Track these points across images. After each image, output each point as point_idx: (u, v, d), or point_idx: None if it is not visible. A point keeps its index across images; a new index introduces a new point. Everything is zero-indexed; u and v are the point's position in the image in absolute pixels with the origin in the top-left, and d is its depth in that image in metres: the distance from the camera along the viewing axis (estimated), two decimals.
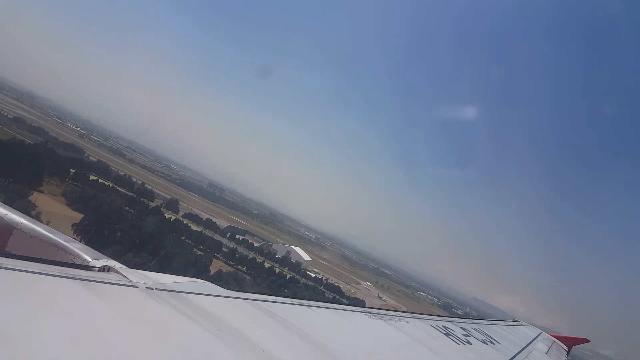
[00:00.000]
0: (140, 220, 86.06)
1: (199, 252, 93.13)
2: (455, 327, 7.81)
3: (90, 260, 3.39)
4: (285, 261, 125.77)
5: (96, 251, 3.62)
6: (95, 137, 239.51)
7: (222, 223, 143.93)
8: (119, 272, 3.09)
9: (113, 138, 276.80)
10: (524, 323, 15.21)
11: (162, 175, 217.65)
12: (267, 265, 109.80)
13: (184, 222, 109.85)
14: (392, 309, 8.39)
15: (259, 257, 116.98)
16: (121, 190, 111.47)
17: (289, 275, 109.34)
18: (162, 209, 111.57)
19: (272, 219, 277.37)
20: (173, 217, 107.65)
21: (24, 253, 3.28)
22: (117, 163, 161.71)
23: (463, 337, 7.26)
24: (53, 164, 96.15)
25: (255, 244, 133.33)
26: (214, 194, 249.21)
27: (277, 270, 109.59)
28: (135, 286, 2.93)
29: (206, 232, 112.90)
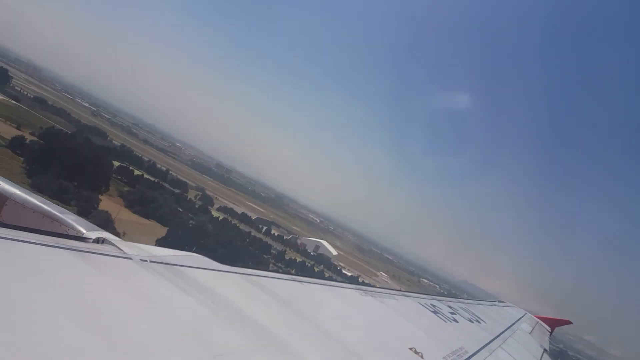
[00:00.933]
0: (202, 224, 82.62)
1: (259, 256, 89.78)
2: (443, 305, 7.87)
3: (84, 231, 3.30)
4: (319, 257, 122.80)
5: (90, 223, 3.52)
6: (105, 113, 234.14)
7: (244, 211, 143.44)
8: (113, 244, 3.01)
9: (109, 109, 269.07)
10: (509, 304, 15.27)
11: (175, 157, 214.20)
12: (307, 264, 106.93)
13: (232, 221, 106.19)
14: (382, 287, 8.51)
15: (294, 253, 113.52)
16: (165, 185, 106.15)
17: (327, 274, 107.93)
18: (208, 207, 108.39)
19: (278, 203, 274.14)
20: (221, 217, 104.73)
21: (17, 224, 3.10)
22: (136, 146, 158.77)
23: (450, 315, 7.32)
24: (98, 159, 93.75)
25: (283, 236, 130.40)
26: (224, 176, 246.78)
27: (317, 269, 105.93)
28: (130, 258, 2.87)
29: (252, 232, 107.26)
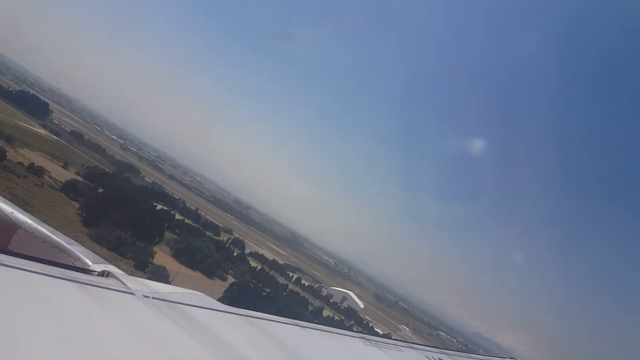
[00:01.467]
0: (243, 275, 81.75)
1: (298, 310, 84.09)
2: None
3: (90, 264, 3.35)
4: (347, 309, 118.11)
5: (97, 255, 3.56)
6: (131, 147, 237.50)
7: (272, 256, 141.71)
8: (117, 278, 3.03)
9: (134, 141, 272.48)
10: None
11: (200, 193, 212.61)
12: (336, 317, 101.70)
13: (269, 272, 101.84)
14: (387, 337, 8.09)
15: (317, 302, 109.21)
16: (205, 231, 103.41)
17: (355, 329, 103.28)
18: (244, 254, 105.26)
19: (295, 243, 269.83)
20: (259, 267, 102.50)
21: (26, 252, 3.18)
22: (166, 184, 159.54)
23: None
24: (152, 207, 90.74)
25: (311, 285, 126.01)
26: (243, 213, 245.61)
27: (347, 324, 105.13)
28: (133, 293, 2.87)
29: (285, 282, 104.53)
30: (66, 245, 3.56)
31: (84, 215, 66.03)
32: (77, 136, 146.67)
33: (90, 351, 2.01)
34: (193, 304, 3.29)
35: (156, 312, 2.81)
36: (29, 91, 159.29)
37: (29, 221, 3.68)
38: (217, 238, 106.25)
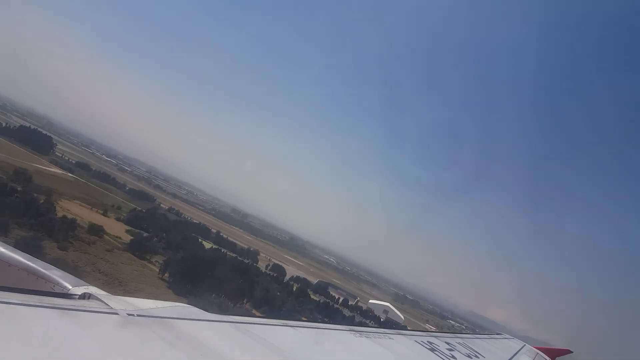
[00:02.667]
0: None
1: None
2: (440, 342, 7.52)
3: (70, 287, 3.24)
4: (389, 322, 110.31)
5: (76, 278, 3.41)
6: (125, 166, 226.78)
7: (294, 270, 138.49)
8: (99, 299, 2.90)
9: (119, 157, 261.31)
10: (507, 336, 14.89)
11: (203, 208, 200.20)
12: None
13: (315, 298, 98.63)
14: (377, 327, 8.02)
15: (371, 322, 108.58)
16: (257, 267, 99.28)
17: None
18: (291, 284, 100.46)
19: (301, 248, 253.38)
20: (320, 300, 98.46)
21: (2, 282, 3.08)
22: (183, 208, 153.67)
23: (448, 352, 6.99)
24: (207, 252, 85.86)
25: (340, 298, 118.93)
26: (244, 222, 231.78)
27: None
28: (117, 313, 2.77)
29: (338, 307, 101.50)
30: (43, 270, 3.41)
31: (171, 281, 62.35)
32: (83, 167, 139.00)
33: None
34: (179, 317, 3.17)
35: (143, 329, 2.70)
36: (29, 126, 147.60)
37: (2, 249, 3.51)
38: (258, 266, 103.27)
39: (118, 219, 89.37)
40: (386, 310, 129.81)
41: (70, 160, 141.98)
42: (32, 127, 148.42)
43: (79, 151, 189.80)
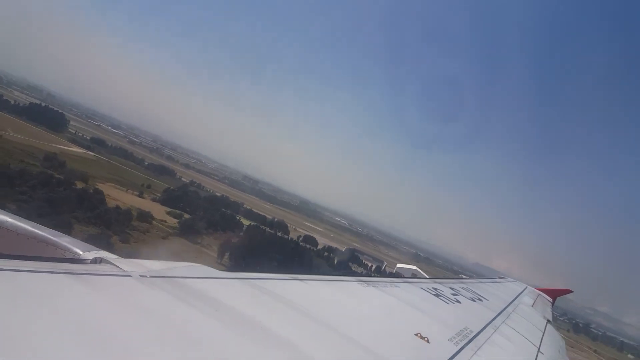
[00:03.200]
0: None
1: None
2: (445, 287, 7.65)
3: (81, 253, 3.21)
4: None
5: (86, 243, 3.36)
6: (132, 136, 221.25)
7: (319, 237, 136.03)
8: (111, 263, 2.87)
9: (122, 126, 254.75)
10: (510, 279, 15.12)
11: (217, 177, 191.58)
12: None
13: (355, 269, 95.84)
14: (384, 276, 7.70)
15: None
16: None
17: None
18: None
19: (308, 209, 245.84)
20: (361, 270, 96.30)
21: (13, 252, 3.02)
22: (199, 178, 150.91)
23: (452, 297, 7.11)
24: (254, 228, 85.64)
25: (372, 265, 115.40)
26: (259, 190, 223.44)
27: None
28: (129, 275, 2.73)
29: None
30: (53, 238, 3.35)
31: (231, 265, 60.83)
32: (98, 142, 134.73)
33: (100, 340, 1.88)
34: (191, 276, 3.12)
35: (156, 290, 2.66)
36: (41, 103, 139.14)
37: (9, 220, 3.41)
38: (290, 237, 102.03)
39: (154, 200, 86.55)
40: (415, 274, 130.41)
41: (84, 136, 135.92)
42: (42, 104, 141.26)
43: (87, 124, 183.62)
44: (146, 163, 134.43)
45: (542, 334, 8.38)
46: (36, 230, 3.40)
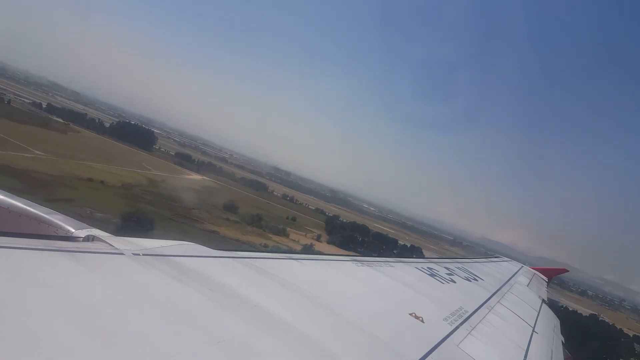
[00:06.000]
0: None
1: None
2: (440, 267, 7.45)
3: (73, 230, 3.14)
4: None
5: (78, 221, 3.28)
6: (175, 138, 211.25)
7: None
8: (104, 241, 2.78)
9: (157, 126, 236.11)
10: (505, 259, 15.06)
11: (260, 174, 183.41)
12: None
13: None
14: (378, 256, 8.03)
15: None
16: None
17: None
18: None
19: (342, 200, 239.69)
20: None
21: (4, 229, 2.97)
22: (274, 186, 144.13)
23: (447, 277, 6.89)
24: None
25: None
26: (295, 183, 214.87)
27: None
28: (122, 253, 2.64)
29: None
30: (45, 215, 3.28)
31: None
32: (184, 158, 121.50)
33: (92, 318, 1.86)
34: (185, 254, 3.07)
35: (149, 268, 2.57)
36: (129, 121, 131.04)
37: (1, 197, 3.36)
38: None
39: (330, 243, 79.18)
40: None
41: (166, 151, 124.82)
42: (131, 121, 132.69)
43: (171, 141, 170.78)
44: (238, 177, 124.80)
45: (537, 313, 8.17)
46: (28, 208, 3.30)
